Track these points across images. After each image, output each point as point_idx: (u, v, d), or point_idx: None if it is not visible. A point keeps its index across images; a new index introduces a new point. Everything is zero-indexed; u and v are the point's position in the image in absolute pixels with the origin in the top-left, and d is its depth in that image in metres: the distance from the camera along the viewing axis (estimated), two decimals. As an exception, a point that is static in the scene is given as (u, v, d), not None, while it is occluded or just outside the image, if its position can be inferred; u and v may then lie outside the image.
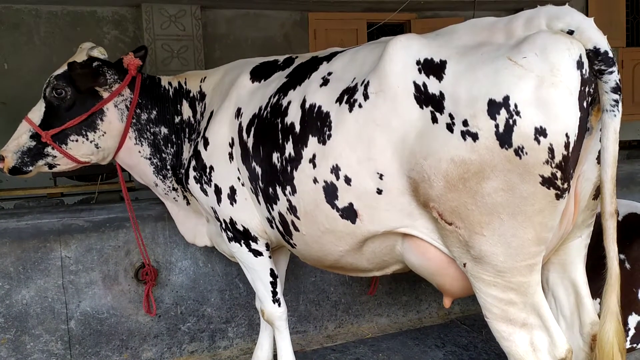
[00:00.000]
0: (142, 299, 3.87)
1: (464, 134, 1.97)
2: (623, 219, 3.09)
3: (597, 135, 2.08)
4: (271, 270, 3.19)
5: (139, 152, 3.35)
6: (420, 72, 2.12)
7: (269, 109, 2.76)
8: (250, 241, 3.10)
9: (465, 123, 1.96)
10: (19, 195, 6.61)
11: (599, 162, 2.13)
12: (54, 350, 3.79)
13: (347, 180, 2.35)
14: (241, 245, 3.13)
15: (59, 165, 3.28)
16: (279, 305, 3.22)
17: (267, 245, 3.15)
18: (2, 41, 7.60)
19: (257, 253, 3.13)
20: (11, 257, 3.70)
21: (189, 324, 4.12)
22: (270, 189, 2.70)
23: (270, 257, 3.19)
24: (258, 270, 3.19)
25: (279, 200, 2.68)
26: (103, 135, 3.22)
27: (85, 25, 7.90)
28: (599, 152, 2.11)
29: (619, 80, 1.92)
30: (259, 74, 3.06)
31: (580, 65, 1.87)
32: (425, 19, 9.64)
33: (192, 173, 3.15)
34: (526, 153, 1.88)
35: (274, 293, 3.21)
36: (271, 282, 3.19)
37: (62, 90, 3.13)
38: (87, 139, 3.19)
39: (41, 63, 7.50)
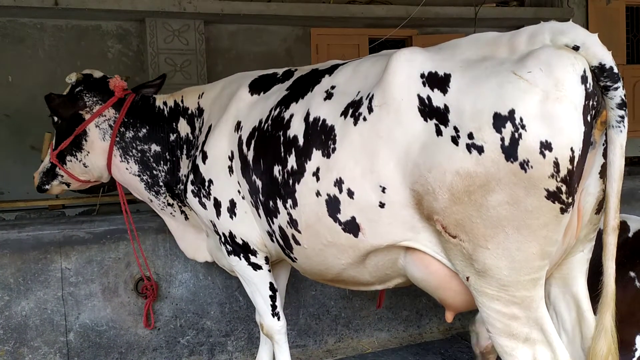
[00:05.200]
0: (142, 311, 3.85)
1: (469, 147, 1.97)
2: (634, 236, 3.00)
3: (600, 149, 2.09)
4: (270, 284, 3.17)
5: (126, 168, 3.45)
6: (424, 85, 2.13)
7: (270, 121, 2.76)
8: (250, 254, 3.08)
9: (470, 136, 1.97)
10: (21, 206, 6.58)
11: (601, 177, 2.14)
12: (52, 362, 3.77)
13: (350, 194, 2.34)
14: (240, 259, 3.11)
15: (70, 183, 3.58)
16: (278, 319, 3.19)
17: (267, 259, 3.14)
18: (7, 55, 7.62)
19: (256, 266, 3.12)
20: (11, 268, 3.69)
21: (188, 337, 4.09)
22: (271, 202, 2.69)
23: (269, 270, 3.17)
24: (257, 284, 3.17)
25: (279, 213, 2.67)
26: (87, 154, 3.43)
27: (89, 39, 7.93)
28: (602, 166, 2.11)
29: (624, 95, 1.93)
30: (258, 86, 3.06)
31: (584, 80, 1.88)
32: (427, 35, 9.68)
33: (189, 187, 3.16)
34: (531, 167, 1.88)
35: (273, 307, 3.18)
36: (270, 296, 3.17)
37: (53, 117, 3.46)
38: (77, 159, 3.44)
39: (45, 76, 7.52)
